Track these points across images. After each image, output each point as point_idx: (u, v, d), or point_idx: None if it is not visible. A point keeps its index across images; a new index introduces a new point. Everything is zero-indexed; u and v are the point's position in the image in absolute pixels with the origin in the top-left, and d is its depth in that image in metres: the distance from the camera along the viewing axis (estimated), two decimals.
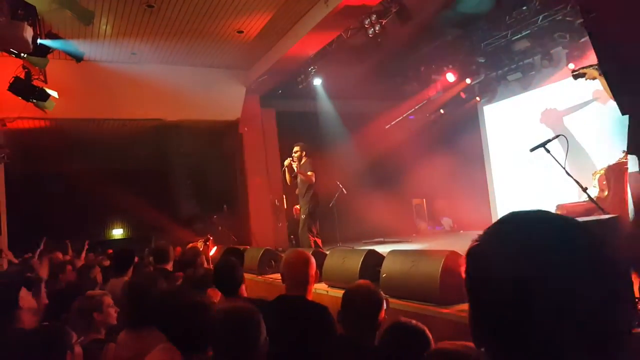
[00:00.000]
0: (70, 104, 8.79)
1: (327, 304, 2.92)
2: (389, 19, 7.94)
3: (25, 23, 5.98)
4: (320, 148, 10.56)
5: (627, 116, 3.00)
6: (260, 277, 6.44)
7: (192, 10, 8.13)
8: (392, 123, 13.13)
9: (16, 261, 7.34)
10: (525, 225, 0.79)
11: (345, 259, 4.88)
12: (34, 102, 7.42)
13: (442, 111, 12.71)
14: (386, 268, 4.30)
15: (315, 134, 11.84)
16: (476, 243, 0.82)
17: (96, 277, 4.80)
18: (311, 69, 10.67)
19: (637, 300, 2.42)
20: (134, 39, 9.10)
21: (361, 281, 2.79)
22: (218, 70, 11.06)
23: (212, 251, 7.98)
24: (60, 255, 7.21)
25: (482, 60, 10.91)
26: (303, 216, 7.93)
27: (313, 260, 3.06)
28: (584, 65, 5.28)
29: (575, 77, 5.21)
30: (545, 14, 8.85)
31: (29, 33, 6.04)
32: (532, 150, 4.03)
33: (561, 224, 0.78)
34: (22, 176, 10.77)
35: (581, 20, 7.75)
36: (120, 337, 2.66)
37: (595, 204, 3.97)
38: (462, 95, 12.07)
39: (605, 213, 3.61)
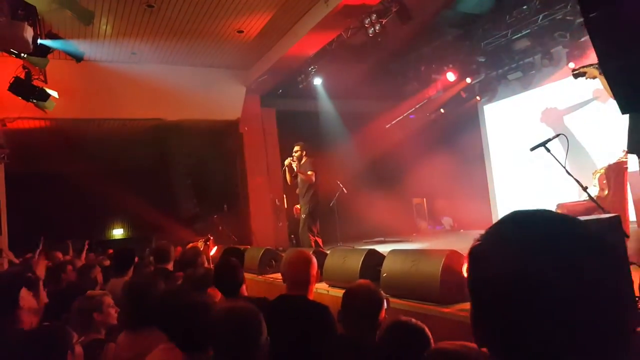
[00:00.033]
0: (70, 104, 8.79)
1: (327, 303, 2.92)
2: (389, 19, 7.94)
3: (26, 23, 5.98)
4: (320, 148, 10.56)
5: (627, 115, 3.00)
6: (260, 276, 6.44)
7: (192, 10, 8.13)
8: (393, 122, 13.13)
9: (17, 261, 7.35)
10: (528, 225, 0.79)
11: (345, 259, 4.88)
12: (34, 102, 7.42)
13: (442, 110, 12.71)
14: (386, 267, 4.31)
15: (315, 133, 11.83)
16: (478, 242, 0.82)
17: (97, 277, 4.79)
18: (311, 69, 10.67)
19: (637, 299, 2.42)
20: (134, 39, 9.10)
21: (361, 281, 2.80)
22: (218, 70, 11.06)
23: (213, 251, 7.98)
24: (59, 255, 7.21)
25: (483, 60, 10.92)
26: (303, 216, 7.93)
27: (314, 260, 3.07)
28: (584, 64, 5.27)
29: (576, 76, 5.20)
30: (546, 13, 8.85)
31: (29, 33, 6.04)
32: (533, 149, 4.03)
33: (563, 224, 0.78)
34: (23, 176, 10.77)
35: (581, 19, 7.74)
36: (120, 338, 2.66)
37: (596, 203, 3.97)
38: (463, 94, 12.08)
39: (605, 212, 3.61)
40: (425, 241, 10.01)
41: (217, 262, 3.87)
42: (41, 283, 2.77)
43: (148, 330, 2.58)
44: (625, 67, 2.42)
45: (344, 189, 9.60)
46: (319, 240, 7.85)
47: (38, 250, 7.69)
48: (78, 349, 2.12)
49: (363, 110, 12.82)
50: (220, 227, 10.29)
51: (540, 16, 8.95)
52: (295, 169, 7.89)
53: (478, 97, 11.96)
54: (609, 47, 2.46)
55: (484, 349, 0.80)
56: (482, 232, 0.83)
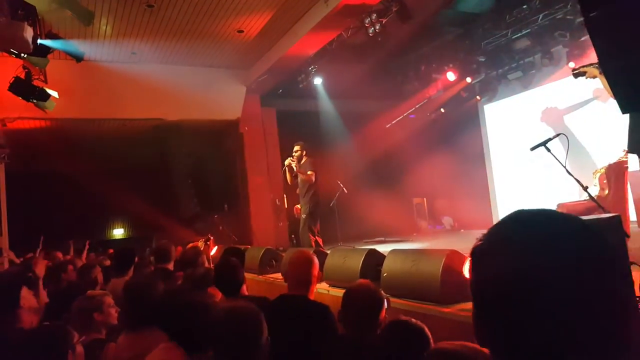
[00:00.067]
0: (70, 104, 8.79)
1: (328, 303, 2.92)
2: (389, 18, 7.94)
3: (26, 23, 5.98)
4: (320, 147, 10.57)
5: (627, 115, 2.99)
6: (261, 276, 6.44)
7: (192, 10, 8.13)
8: (393, 122, 13.14)
9: (17, 261, 7.35)
10: (530, 224, 0.79)
11: (346, 259, 4.88)
12: (34, 102, 7.42)
13: (442, 110, 12.72)
14: (387, 267, 4.30)
15: (315, 133, 11.84)
16: (480, 242, 0.82)
17: (97, 276, 4.79)
18: (311, 69, 10.67)
19: (638, 299, 2.42)
20: (134, 39, 9.10)
21: (362, 280, 2.80)
22: (218, 69, 11.06)
23: (213, 251, 7.97)
24: (60, 254, 7.22)
25: (483, 59, 10.92)
26: (304, 216, 7.93)
27: (316, 260, 3.08)
28: (585, 63, 5.28)
29: (576, 75, 5.20)
30: (546, 12, 8.85)
31: (29, 33, 6.04)
32: (533, 149, 4.03)
33: (566, 223, 0.78)
34: (23, 176, 10.78)
35: (581, 18, 7.74)
36: (120, 339, 2.66)
37: (596, 203, 3.97)
38: (463, 94, 12.08)
39: (605, 212, 3.61)
40: (426, 241, 10.01)
41: (217, 262, 3.87)
42: (41, 282, 2.77)
43: (148, 330, 2.58)
44: (625, 67, 2.42)
45: (344, 188, 9.60)
46: (319, 240, 7.85)
47: (38, 250, 7.70)
48: (79, 348, 2.12)
49: (363, 110, 12.83)
50: (220, 227, 10.29)
51: (541, 16, 8.95)
52: (295, 169, 7.89)
53: (478, 97, 11.96)
54: (609, 47, 2.46)
55: (486, 349, 0.80)
56: (484, 231, 0.83)
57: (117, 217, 14.72)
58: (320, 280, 3.15)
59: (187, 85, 10.57)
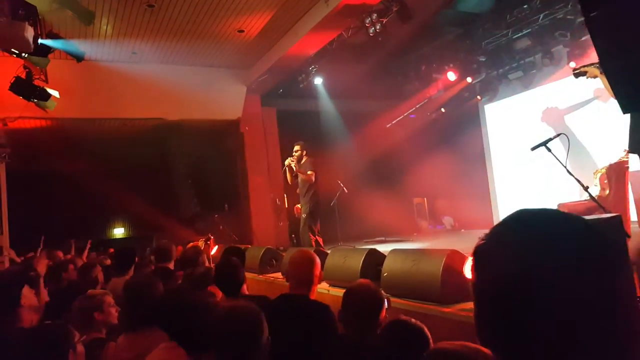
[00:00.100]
0: (71, 103, 8.80)
1: (328, 303, 2.92)
2: (389, 18, 7.93)
3: (26, 23, 5.99)
4: (321, 147, 10.57)
5: (628, 115, 2.99)
6: (261, 276, 6.45)
7: (193, 9, 8.13)
8: (393, 122, 13.14)
9: (18, 260, 7.36)
10: (533, 224, 0.78)
11: (346, 258, 4.88)
12: (35, 102, 7.43)
13: (443, 110, 12.71)
14: (387, 267, 4.31)
15: (316, 133, 11.84)
16: (483, 241, 0.82)
17: (97, 276, 4.80)
18: (312, 68, 10.67)
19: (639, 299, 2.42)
20: (135, 39, 9.10)
21: (362, 280, 2.79)
22: (219, 69, 11.06)
23: (213, 250, 7.97)
24: (60, 254, 7.22)
25: (483, 59, 10.92)
26: (304, 215, 7.93)
27: (318, 260, 3.08)
28: (585, 63, 5.27)
29: (576, 75, 5.20)
30: (546, 12, 8.85)
31: (29, 33, 6.05)
32: (533, 149, 4.03)
33: (569, 223, 0.78)
34: (24, 175, 10.78)
35: (582, 18, 7.74)
36: (120, 339, 2.66)
37: (597, 203, 3.98)
38: (463, 94, 12.07)
39: (606, 212, 3.61)
40: (426, 241, 10.01)
41: (218, 262, 3.88)
42: (42, 281, 2.77)
43: (148, 330, 2.59)
44: (626, 66, 2.42)
45: (344, 188, 9.61)
46: (320, 240, 7.85)
47: (39, 250, 7.70)
48: (80, 347, 2.12)
49: (364, 110, 12.83)
50: (220, 227, 10.29)
51: (541, 15, 8.95)
52: (294, 169, 7.89)
53: (479, 97, 11.95)
54: (610, 46, 2.46)
55: (487, 350, 0.80)
56: (486, 231, 0.83)
57: (117, 216, 14.72)
58: (320, 280, 3.14)
59: (187, 85, 10.57)
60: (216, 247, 8.06)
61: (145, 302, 2.69)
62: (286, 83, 11.47)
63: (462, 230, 12.05)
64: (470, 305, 3.44)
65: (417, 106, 12.80)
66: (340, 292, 3.48)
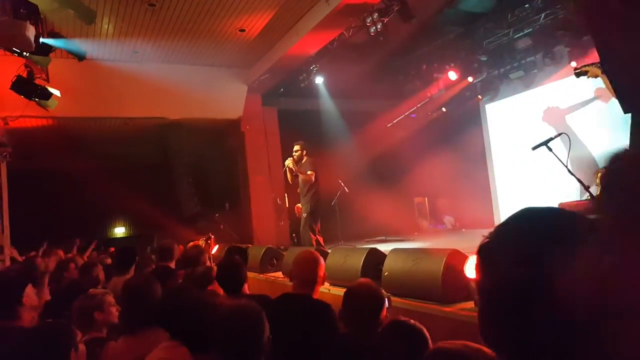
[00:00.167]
0: (72, 102, 8.80)
1: (329, 302, 2.93)
2: (390, 17, 7.93)
3: (28, 22, 5.99)
4: (322, 146, 10.57)
5: (629, 114, 2.99)
6: (262, 275, 6.45)
7: (194, 9, 8.13)
8: (394, 121, 13.12)
9: (20, 259, 7.36)
10: (538, 222, 0.78)
11: (347, 258, 4.89)
12: (36, 101, 7.43)
13: (444, 109, 12.70)
14: (388, 266, 4.31)
15: (317, 132, 11.84)
16: (487, 240, 0.82)
17: (98, 275, 4.81)
18: (313, 68, 10.67)
19: None
20: (136, 38, 9.11)
21: (362, 279, 2.80)
22: (220, 68, 11.07)
23: (214, 250, 7.98)
24: (61, 253, 7.23)
25: (484, 59, 10.90)
26: (304, 215, 7.94)
27: (322, 261, 3.09)
28: (586, 63, 5.27)
29: (578, 75, 5.20)
30: (547, 12, 8.84)
31: (31, 32, 6.05)
32: (534, 148, 4.03)
33: (573, 221, 0.78)
34: (25, 174, 10.78)
35: None
36: (119, 342, 2.66)
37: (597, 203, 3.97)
38: (464, 93, 12.07)
39: None
40: (427, 240, 10.01)
41: (220, 260, 3.88)
42: (47, 280, 2.77)
43: (148, 331, 2.59)
44: (627, 66, 2.42)
45: (345, 188, 9.61)
46: (320, 239, 7.85)
47: (42, 250, 7.71)
48: (81, 347, 2.13)
49: (365, 109, 12.83)
50: (221, 226, 10.29)
51: (542, 15, 8.94)
52: (294, 170, 7.89)
53: (480, 96, 11.94)
54: (611, 46, 2.46)
55: (487, 349, 0.79)
56: (488, 230, 0.82)
57: (118, 215, 14.72)
58: (324, 281, 3.15)
59: (188, 84, 10.58)
60: (217, 246, 8.06)
61: (144, 303, 2.69)
62: (287, 82, 11.47)
63: (463, 229, 12.05)
64: (470, 304, 3.44)
65: (418, 105, 12.79)
66: (341, 291, 3.48)
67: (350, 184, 9.88)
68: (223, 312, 2.07)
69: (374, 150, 12.26)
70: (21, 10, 5.98)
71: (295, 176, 8.03)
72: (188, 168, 11.45)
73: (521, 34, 9.67)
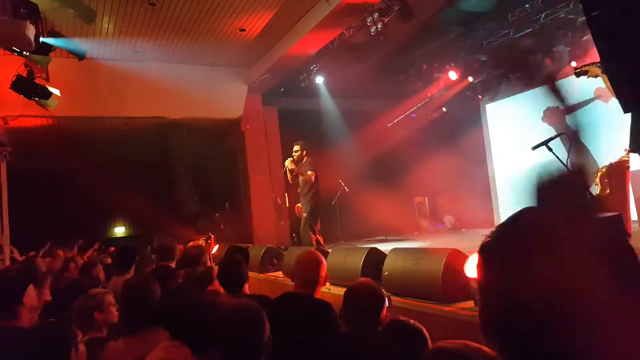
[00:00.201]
0: (72, 102, 8.80)
1: (329, 301, 2.93)
2: (391, 17, 7.93)
3: (28, 21, 5.99)
4: (322, 146, 10.57)
5: (629, 114, 3.00)
6: (262, 275, 6.45)
7: (194, 8, 8.13)
8: (395, 121, 13.12)
9: (20, 259, 7.36)
10: (539, 221, 0.78)
11: (347, 257, 4.89)
12: (36, 100, 7.43)
13: (444, 109, 12.70)
14: (388, 266, 4.31)
15: (317, 132, 11.84)
16: (489, 239, 0.81)
17: (98, 275, 4.81)
18: (313, 67, 10.67)
19: None
20: (136, 37, 9.11)
21: (363, 279, 2.80)
22: (220, 68, 11.07)
23: (214, 250, 7.97)
24: (61, 253, 7.23)
25: (485, 58, 10.90)
26: (305, 214, 7.93)
27: (325, 262, 3.09)
28: (587, 63, 5.28)
29: (578, 75, 5.21)
30: (548, 11, 8.85)
31: (31, 31, 6.05)
32: (534, 148, 4.04)
33: (575, 220, 0.77)
34: (24, 174, 10.77)
35: (583, 18, 7.73)
36: (119, 344, 2.65)
37: (597, 202, 3.98)
38: (465, 93, 12.06)
39: (607, 211, 3.61)
40: (427, 240, 10.01)
41: (222, 258, 3.88)
42: (49, 281, 2.77)
43: (147, 332, 2.59)
44: (627, 66, 2.42)
45: (345, 187, 9.61)
46: (320, 239, 7.85)
47: (43, 251, 7.72)
48: (82, 347, 2.13)
49: (365, 109, 12.82)
50: (222, 226, 10.29)
51: (543, 15, 8.94)
52: (294, 170, 7.89)
53: (480, 96, 11.94)
54: (611, 46, 2.46)
55: (487, 348, 0.79)
56: (491, 229, 0.82)
57: (118, 215, 14.73)
58: (326, 281, 3.15)
59: (188, 83, 10.58)
60: (217, 246, 8.06)
61: (143, 303, 2.69)
62: (287, 82, 11.47)
63: (463, 229, 12.04)
64: (470, 304, 3.45)
65: (419, 105, 12.78)
66: (341, 290, 3.49)
67: (350, 183, 9.87)
68: (224, 312, 2.07)
69: (374, 150, 12.25)
70: (21, 10, 5.97)
71: (295, 176, 8.03)
72: (188, 168, 11.46)
73: (522, 33, 9.67)
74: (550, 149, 3.87)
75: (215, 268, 3.66)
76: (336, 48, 9.62)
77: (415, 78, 12.21)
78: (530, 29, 9.47)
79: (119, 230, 15.02)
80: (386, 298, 2.55)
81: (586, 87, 8.69)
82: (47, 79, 7.66)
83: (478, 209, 11.57)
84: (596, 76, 4.90)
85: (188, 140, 11.36)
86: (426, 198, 12.95)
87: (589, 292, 0.69)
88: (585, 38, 8.68)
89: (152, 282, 2.97)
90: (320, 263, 3.04)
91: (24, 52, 6.75)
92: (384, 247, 5.00)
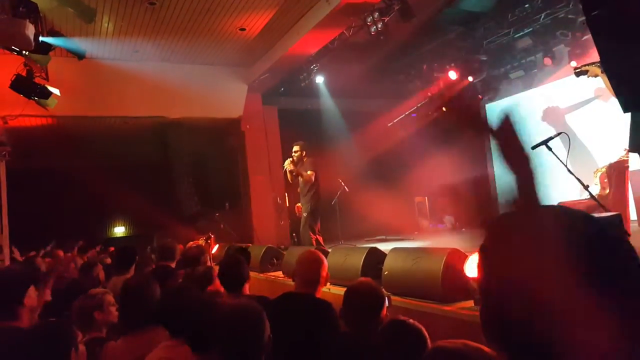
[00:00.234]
0: (72, 101, 8.80)
1: (329, 301, 2.93)
2: (391, 17, 7.93)
3: (27, 20, 5.98)
4: (322, 146, 10.57)
5: (629, 114, 2.99)
6: (262, 274, 6.45)
7: (194, 7, 8.13)
8: (395, 121, 13.10)
9: (20, 259, 7.36)
10: (539, 220, 0.78)
11: (347, 257, 4.89)
12: (35, 100, 7.43)
13: (444, 109, 12.68)
14: (388, 266, 4.31)
15: (317, 131, 11.84)
16: (490, 238, 0.81)
17: (98, 275, 4.81)
18: (313, 67, 10.67)
19: None
20: (136, 37, 9.10)
21: (363, 279, 2.80)
22: (220, 67, 11.07)
23: (214, 249, 7.97)
24: (61, 253, 7.23)
25: (485, 58, 10.90)
26: (305, 214, 7.93)
27: (326, 262, 3.09)
28: (586, 62, 5.28)
29: (577, 74, 5.21)
30: (548, 11, 8.84)
31: (30, 30, 6.05)
32: (534, 147, 4.03)
33: (575, 219, 0.77)
34: (24, 173, 10.78)
35: (583, 17, 7.73)
36: (118, 344, 2.65)
37: (597, 202, 3.98)
38: (465, 93, 12.05)
39: (606, 211, 3.61)
40: (427, 240, 10.00)
41: (223, 258, 3.88)
42: (51, 282, 2.76)
43: (147, 331, 2.59)
44: (627, 66, 2.42)
45: (345, 187, 9.61)
46: (320, 239, 7.84)
47: (43, 251, 7.72)
48: (82, 347, 2.13)
49: (365, 109, 12.83)
50: (221, 225, 10.29)
51: (542, 15, 8.94)
52: (294, 171, 7.88)
53: (480, 96, 11.94)
54: (611, 46, 2.46)
55: (487, 348, 0.79)
56: (491, 228, 0.82)
57: (118, 215, 14.72)
58: (327, 281, 3.16)
59: (188, 83, 10.58)
60: (217, 246, 8.05)
61: (143, 303, 2.69)
62: (287, 82, 11.47)
63: (463, 229, 12.03)
64: (470, 304, 3.45)
65: (419, 105, 12.78)
66: (341, 290, 3.49)
67: (350, 183, 9.87)
68: (224, 311, 2.07)
69: (374, 150, 12.25)
70: (20, 9, 5.97)
71: (295, 176, 8.02)
72: (188, 167, 11.46)
73: (521, 33, 9.67)
74: (550, 149, 3.87)
75: (216, 268, 3.66)
76: (336, 48, 9.62)
77: (415, 78, 12.21)
78: (530, 29, 9.47)
79: (119, 230, 15.01)
80: (386, 298, 2.55)
81: (586, 87, 8.69)
82: (47, 79, 7.66)
83: (478, 209, 11.56)
84: (596, 76, 4.90)
85: (188, 140, 11.36)
86: (426, 198, 12.95)
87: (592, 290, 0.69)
88: (585, 38, 8.68)
89: (152, 282, 2.97)
90: (322, 263, 3.04)
91: (24, 52, 6.75)
92: (384, 247, 4.99)
